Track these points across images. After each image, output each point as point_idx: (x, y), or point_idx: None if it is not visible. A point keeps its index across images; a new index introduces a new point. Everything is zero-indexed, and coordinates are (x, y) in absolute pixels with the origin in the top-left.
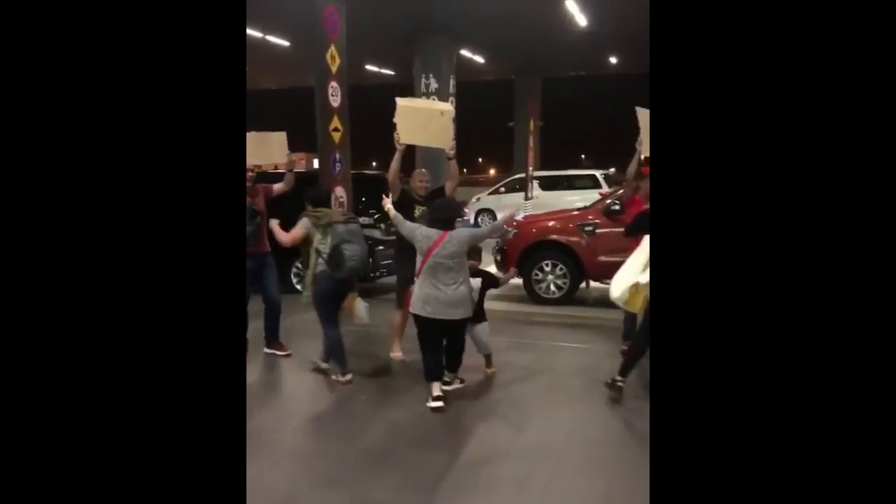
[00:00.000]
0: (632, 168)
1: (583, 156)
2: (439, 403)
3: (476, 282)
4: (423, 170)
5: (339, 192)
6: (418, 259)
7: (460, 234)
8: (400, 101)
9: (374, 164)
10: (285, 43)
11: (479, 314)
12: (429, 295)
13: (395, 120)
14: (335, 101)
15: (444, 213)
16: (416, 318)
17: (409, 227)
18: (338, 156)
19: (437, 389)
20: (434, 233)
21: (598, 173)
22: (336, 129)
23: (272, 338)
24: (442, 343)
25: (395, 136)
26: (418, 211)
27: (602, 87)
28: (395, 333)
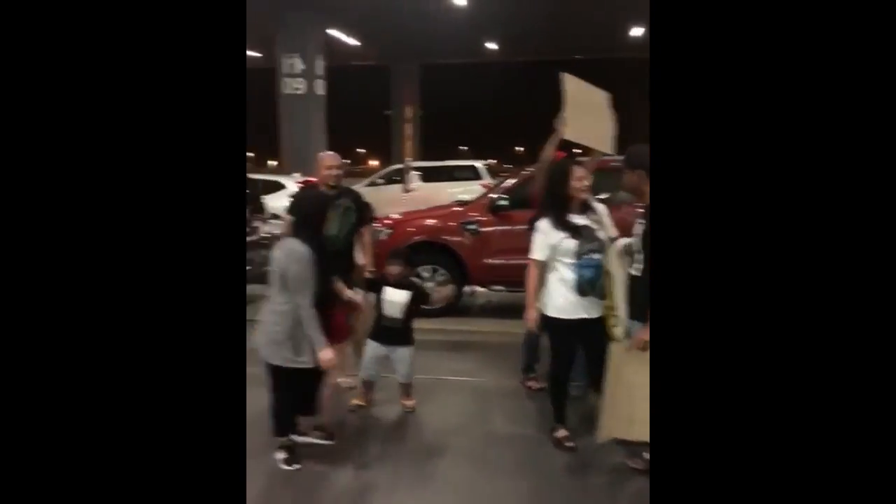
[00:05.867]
0: (547, 152)
1: (463, 147)
2: (283, 456)
3: (401, 295)
4: (333, 153)
5: None
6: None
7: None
8: (568, 79)
9: (251, 154)
10: None
11: (403, 336)
12: None
13: (565, 102)
14: None
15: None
16: None
17: None
18: None
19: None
20: None
21: (479, 164)
22: None
23: None
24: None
25: (560, 120)
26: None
27: (481, 75)
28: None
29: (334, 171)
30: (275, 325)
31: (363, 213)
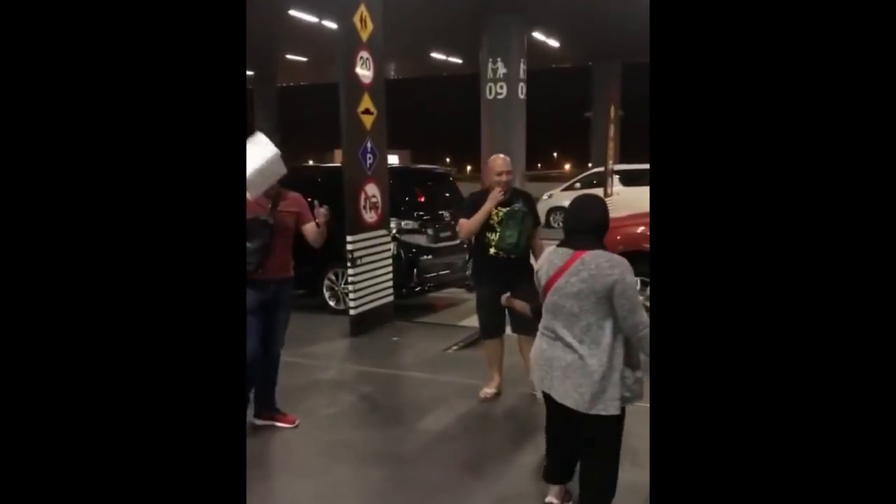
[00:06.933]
0: None
1: None
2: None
3: None
4: (504, 155)
5: (371, 189)
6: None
7: (598, 260)
8: None
9: (447, 160)
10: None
11: None
12: (539, 353)
13: None
14: (366, 76)
15: (582, 223)
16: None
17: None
18: (369, 145)
19: (553, 495)
20: (562, 254)
21: None
22: (367, 112)
23: (266, 403)
24: (568, 434)
25: None
26: (497, 215)
27: None
28: (487, 366)
29: (504, 178)
30: (588, 361)
31: (535, 215)
